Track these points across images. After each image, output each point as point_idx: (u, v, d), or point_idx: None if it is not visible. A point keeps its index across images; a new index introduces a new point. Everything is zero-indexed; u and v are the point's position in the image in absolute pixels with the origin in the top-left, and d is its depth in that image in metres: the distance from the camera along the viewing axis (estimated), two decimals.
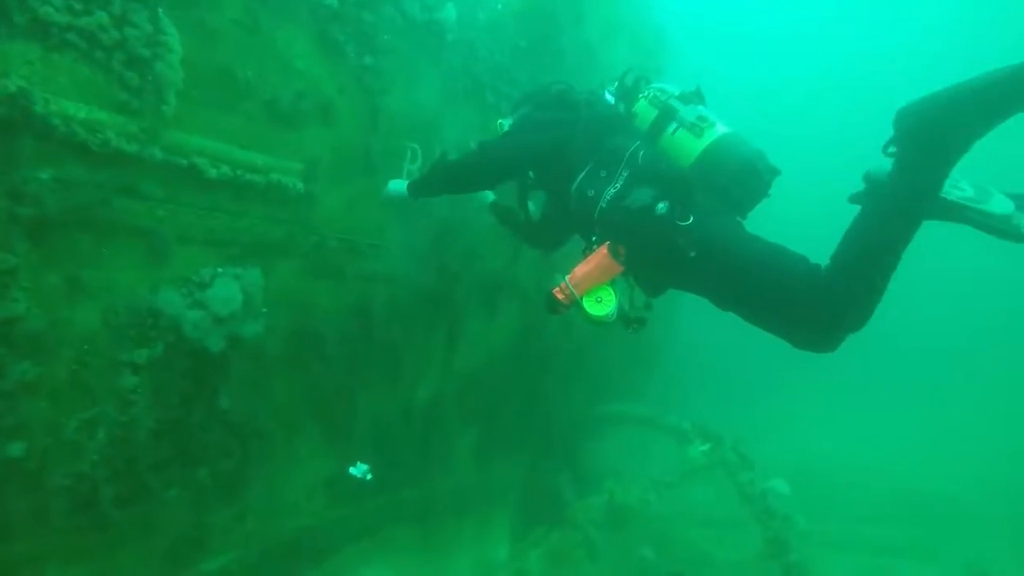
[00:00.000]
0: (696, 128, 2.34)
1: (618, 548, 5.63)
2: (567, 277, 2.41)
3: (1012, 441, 9.36)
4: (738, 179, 2.27)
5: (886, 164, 2.19)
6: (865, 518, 6.22)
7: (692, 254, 2.19)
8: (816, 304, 1.97)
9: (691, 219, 2.21)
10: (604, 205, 2.46)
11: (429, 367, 4.10)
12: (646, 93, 2.58)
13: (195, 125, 2.36)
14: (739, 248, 2.16)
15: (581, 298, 2.40)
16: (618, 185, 2.45)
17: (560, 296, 2.41)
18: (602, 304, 2.42)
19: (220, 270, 2.53)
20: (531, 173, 2.97)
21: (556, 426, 6.39)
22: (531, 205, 3.17)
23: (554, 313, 2.48)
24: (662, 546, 5.80)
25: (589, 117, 2.71)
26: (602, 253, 2.36)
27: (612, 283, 2.43)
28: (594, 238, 2.52)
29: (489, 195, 3.48)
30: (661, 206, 2.26)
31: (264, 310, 2.71)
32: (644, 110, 2.54)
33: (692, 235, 2.20)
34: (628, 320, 2.54)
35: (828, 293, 1.95)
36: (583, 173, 2.59)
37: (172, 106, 2.25)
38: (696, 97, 2.49)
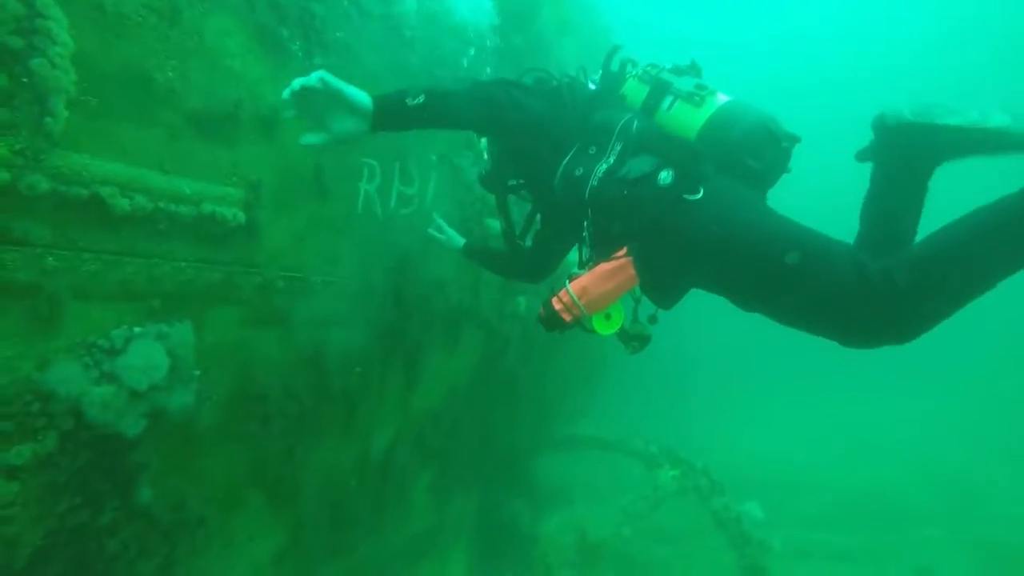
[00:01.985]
0: (695, 97, 2.00)
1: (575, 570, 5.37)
2: (572, 290, 1.97)
3: (946, 436, 10.11)
4: (753, 146, 1.91)
5: (902, 106, 1.77)
6: (814, 522, 6.35)
7: (707, 236, 1.79)
8: (876, 301, 1.60)
9: (701, 193, 1.83)
10: (595, 183, 2.03)
11: (386, 412, 3.60)
12: (635, 72, 2.23)
13: (97, 143, 1.77)
14: (764, 228, 1.78)
15: (591, 316, 2.00)
16: (611, 160, 2.05)
17: (567, 317, 1.98)
18: (611, 321, 2.04)
19: (137, 330, 1.94)
20: (511, 179, 2.54)
21: (510, 452, 6.06)
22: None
23: (552, 331, 2.06)
24: (625, 569, 5.61)
25: (572, 98, 2.30)
26: (628, 272, 1.95)
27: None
28: (586, 223, 2.10)
29: (458, 240, 3.01)
30: (664, 175, 1.87)
31: (196, 373, 2.14)
32: (634, 88, 2.18)
33: (704, 212, 1.81)
34: (628, 337, 2.15)
35: (897, 292, 1.57)
36: (569, 155, 2.17)
37: (61, 119, 1.65)
38: (692, 70, 2.17)
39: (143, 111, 1.88)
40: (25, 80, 1.60)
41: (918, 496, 6.96)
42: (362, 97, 1.89)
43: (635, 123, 2.09)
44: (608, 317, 2.04)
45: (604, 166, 2.05)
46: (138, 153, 1.86)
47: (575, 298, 1.96)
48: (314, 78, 1.80)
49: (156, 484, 2.17)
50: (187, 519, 2.37)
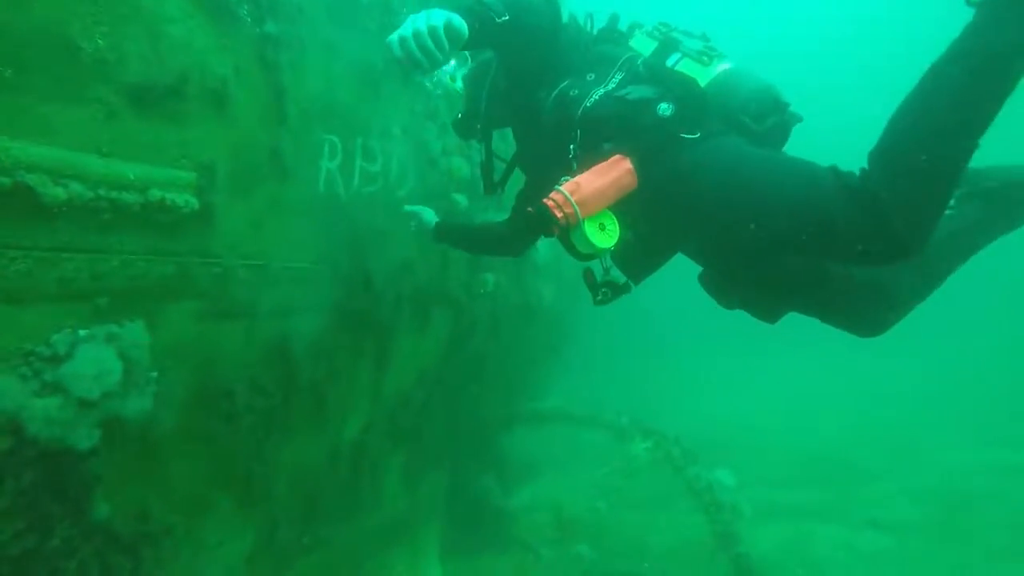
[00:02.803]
0: (704, 57, 1.96)
1: (553, 546, 5.44)
2: (564, 188, 1.80)
3: (890, 392, 10.68)
4: (756, 109, 1.89)
5: None
6: (775, 482, 6.63)
7: (700, 180, 1.77)
8: (859, 207, 1.57)
9: (698, 135, 1.81)
10: (589, 104, 1.95)
11: (357, 399, 3.46)
12: (644, 28, 2.18)
13: (16, 123, 1.53)
14: (766, 172, 1.75)
15: (584, 221, 1.81)
16: (609, 87, 1.97)
17: (559, 215, 1.79)
18: (606, 233, 1.85)
19: (83, 333, 1.74)
20: (495, 114, 2.41)
21: (479, 428, 6.03)
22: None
23: (541, 235, 1.93)
24: (596, 539, 5.71)
25: (578, 37, 2.23)
26: (623, 167, 1.83)
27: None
28: (572, 147, 1.97)
29: (431, 216, 2.89)
30: (664, 106, 1.83)
31: (153, 374, 1.96)
32: (642, 42, 2.13)
33: (698, 152, 1.79)
34: (597, 285, 2.03)
35: (869, 200, 1.56)
36: (566, 81, 2.08)
37: None
38: (702, 38, 2.13)
39: (71, 85, 1.65)
40: None
41: (868, 452, 7.40)
42: (464, 27, 1.75)
43: (639, 59, 2.02)
44: (602, 228, 1.86)
45: (601, 90, 1.96)
46: (69, 134, 1.63)
47: (567, 194, 1.79)
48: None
49: (114, 497, 2.00)
50: (151, 530, 2.21)
